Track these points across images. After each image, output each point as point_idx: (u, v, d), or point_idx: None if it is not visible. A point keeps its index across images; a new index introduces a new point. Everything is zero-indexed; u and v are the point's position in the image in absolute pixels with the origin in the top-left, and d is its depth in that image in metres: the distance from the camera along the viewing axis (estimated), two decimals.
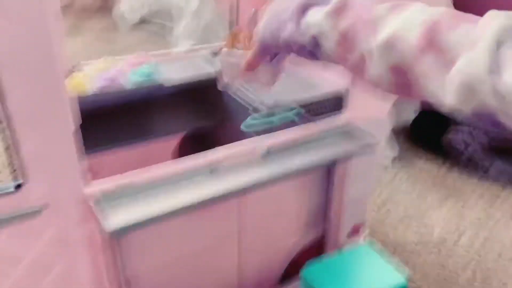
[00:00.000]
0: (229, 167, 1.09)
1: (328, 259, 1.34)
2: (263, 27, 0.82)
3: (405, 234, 1.88)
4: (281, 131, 1.19)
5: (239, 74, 1.02)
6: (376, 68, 0.66)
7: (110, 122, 1.62)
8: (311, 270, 1.29)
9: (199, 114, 1.80)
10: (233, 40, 1.59)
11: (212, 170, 1.07)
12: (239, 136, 1.63)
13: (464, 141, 2.21)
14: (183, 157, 1.05)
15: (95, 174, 0.95)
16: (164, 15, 3.96)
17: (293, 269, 1.41)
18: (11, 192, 0.84)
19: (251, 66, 0.92)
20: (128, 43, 3.61)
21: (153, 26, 3.95)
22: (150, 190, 0.99)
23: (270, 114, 1.35)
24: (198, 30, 3.51)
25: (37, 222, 0.89)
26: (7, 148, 0.82)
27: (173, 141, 1.98)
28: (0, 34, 0.73)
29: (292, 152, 1.17)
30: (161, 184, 1.00)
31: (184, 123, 1.75)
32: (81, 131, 0.89)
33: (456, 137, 2.23)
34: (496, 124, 0.52)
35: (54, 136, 0.85)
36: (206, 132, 1.83)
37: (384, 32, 0.63)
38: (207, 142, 1.87)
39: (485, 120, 0.52)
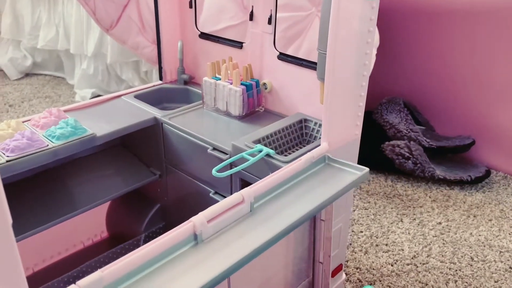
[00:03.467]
0: (216, 236, 0.86)
1: None
2: None
3: (377, 257, 1.75)
4: (265, 178, 0.99)
5: None
6: None
7: (32, 195, 1.31)
8: None
9: (141, 166, 1.54)
10: (213, 70, 1.38)
11: (197, 243, 0.83)
12: (191, 183, 1.39)
13: (408, 146, 2.18)
14: (158, 238, 0.79)
15: None
16: (51, 65, 3.55)
17: None
18: None
19: None
20: (14, 102, 3.14)
21: (40, 79, 3.51)
22: None
23: (239, 157, 1.14)
24: (98, 75, 3.18)
25: None
26: None
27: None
28: None
29: (280, 204, 0.97)
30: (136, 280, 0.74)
31: (125, 179, 1.47)
32: None
33: (398, 145, 2.20)
34: None
35: None
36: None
37: None
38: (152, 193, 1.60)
39: None
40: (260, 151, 1.16)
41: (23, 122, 1.29)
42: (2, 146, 1.15)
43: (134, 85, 3.08)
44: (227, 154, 1.26)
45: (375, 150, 2.25)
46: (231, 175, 1.28)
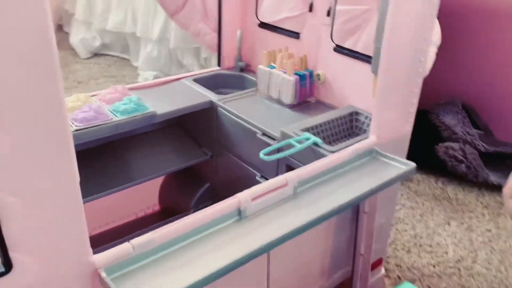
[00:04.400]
0: (258, 214, 0.91)
1: None
2: None
3: (420, 257, 1.74)
4: (310, 164, 1.03)
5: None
6: None
7: (100, 162, 1.42)
8: None
9: (195, 144, 1.62)
10: (268, 58, 1.44)
11: (241, 218, 0.88)
12: (240, 166, 1.45)
13: (462, 149, 2.13)
14: (205, 209, 0.85)
15: None
16: (118, 47, 3.74)
17: None
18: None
19: None
20: (83, 79, 3.35)
21: (107, 59, 3.71)
22: (168, 256, 0.79)
23: (286, 143, 1.18)
24: (161, 59, 3.31)
25: None
26: None
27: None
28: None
29: (323, 191, 1.00)
30: (183, 246, 0.80)
31: (179, 156, 1.56)
32: None
33: (452, 147, 2.15)
34: None
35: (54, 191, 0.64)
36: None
37: None
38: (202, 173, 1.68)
39: None
40: (308, 139, 1.20)
41: (91, 96, 1.40)
42: (72, 116, 1.26)
43: (194, 70, 3.19)
44: (275, 140, 1.30)
45: (428, 150, 2.21)
46: (277, 160, 1.32)
